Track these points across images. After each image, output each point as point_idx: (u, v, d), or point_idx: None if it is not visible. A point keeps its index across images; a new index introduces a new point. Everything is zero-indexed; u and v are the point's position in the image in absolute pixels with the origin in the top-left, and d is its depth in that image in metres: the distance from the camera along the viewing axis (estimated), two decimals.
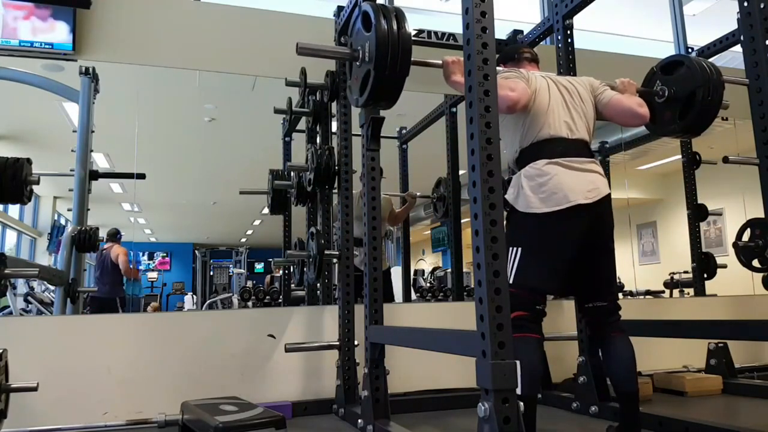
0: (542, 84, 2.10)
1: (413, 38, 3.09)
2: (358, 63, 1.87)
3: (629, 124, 2.29)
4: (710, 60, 3.92)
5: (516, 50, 2.38)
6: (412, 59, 1.82)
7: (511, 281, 1.87)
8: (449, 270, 4.59)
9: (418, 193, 4.32)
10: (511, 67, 2.20)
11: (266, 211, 3.61)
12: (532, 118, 2.04)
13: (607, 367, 2.11)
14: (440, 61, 2.06)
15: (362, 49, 1.84)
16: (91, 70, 3.30)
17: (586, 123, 2.12)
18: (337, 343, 2.70)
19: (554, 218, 1.93)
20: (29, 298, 3.74)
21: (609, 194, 2.03)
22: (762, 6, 2.02)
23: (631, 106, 2.15)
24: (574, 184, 1.96)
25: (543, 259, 1.98)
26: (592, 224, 1.99)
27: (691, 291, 4.19)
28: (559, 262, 2.03)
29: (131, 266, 3.96)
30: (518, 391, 1.36)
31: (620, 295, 2.17)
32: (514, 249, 1.97)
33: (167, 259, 5.65)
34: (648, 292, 4.56)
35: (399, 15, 1.78)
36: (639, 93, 2.42)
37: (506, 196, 2.01)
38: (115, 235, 4.11)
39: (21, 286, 3.76)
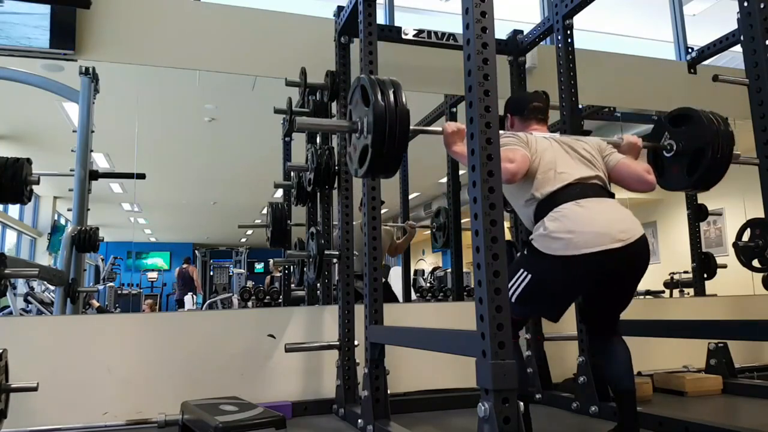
0: (545, 144, 2.07)
1: (413, 38, 3.14)
2: (357, 135, 1.86)
3: (636, 189, 2.17)
4: (710, 60, 3.98)
5: (525, 104, 2.30)
6: (411, 127, 1.81)
7: (511, 300, 1.81)
8: (449, 270, 4.59)
9: (418, 223, 4.34)
10: (512, 133, 2.11)
11: (266, 211, 3.60)
12: (542, 175, 1.99)
13: (605, 366, 2.12)
14: (440, 129, 2.04)
15: (360, 122, 1.83)
16: (91, 70, 3.30)
17: (599, 171, 2.06)
18: (337, 343, 2.70)
19: (577, 261, 1.83)
20: (29, 298, 3.74)
21: (643, 235, 1.90)
22: (762, 6, 2.02)
23: (639, 172, 2.11)
24: (601, 226, 1.85)
25: (552, 295, 1.95)
26: (620, 267, 1.89)
27: (691, 291, 4.19)
28: (570, 300, 2.03)
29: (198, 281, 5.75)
30: None
31: None
32: (525, 274, 1.91)
33: (156, 268, 5.73)
34: (648, 292, 4.55)
35: (396, 89, 1.76)
36: (646, 147, 2.40)
37: (532, 234, 1.95)
38: (189, 260, 5.84)
39: (21, 286, 3.76)
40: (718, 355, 3.21)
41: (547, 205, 1.94)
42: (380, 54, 2.58)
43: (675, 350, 3.38)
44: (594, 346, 2.39)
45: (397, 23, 3.69)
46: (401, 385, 2.80)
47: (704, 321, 2.64)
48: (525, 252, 1.96)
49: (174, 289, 5.75)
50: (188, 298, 5.71)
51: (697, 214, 4.01)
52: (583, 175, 2.01)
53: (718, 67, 4.27)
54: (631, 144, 2.29)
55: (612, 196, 2.04)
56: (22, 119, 3.91)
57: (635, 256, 1.89)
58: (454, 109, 4.00)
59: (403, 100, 1.75)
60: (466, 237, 3.89)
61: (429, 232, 4.33)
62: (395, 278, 4.45)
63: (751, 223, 3.73)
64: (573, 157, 2.07)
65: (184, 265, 5.83)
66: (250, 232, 6.05)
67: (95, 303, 4.21)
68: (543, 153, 2.03)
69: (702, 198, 4.01)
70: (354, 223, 2.80)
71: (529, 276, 1.90)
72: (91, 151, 3.43)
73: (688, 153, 2.35)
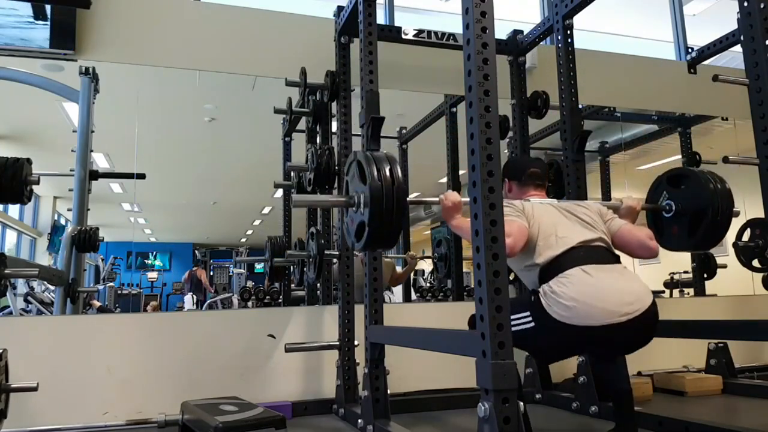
0: (543, 210, 2.06)
1: (413, 38, 3.13)
2: (354, 209, 1.87)
3: (640, 256, 2.14)
4: (710, 60, 3.98)
5: (524, 169, 2.28)
6: (408, 200, 1.84)
7: None
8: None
9: (419, 255, 4.33)
10: (508, 202, 2.05)
11: (266, 210, 3.60)
12: (543, 241, 1.97)
13: (600, 367, 2.13)
14: (437, 199, 2.06)
15: (357, 197, 1.84)
16: (91, 70, 3.30)
17: (602, 234, 2.04)
18: (337, 343, 2.70)
19: (580, 331, 1.79)
20: (29, 298, 3.74)
21: (652, 305, 1.84)
22: (762, 6, 2.02)
23: (642, 238, 2.10)
24: (608, 298, 1.80)
25: (549, 349, 1.94)
26: (624, 339, 1.86)
27: (691, 291, 4.19)
28: (565, 358, 2.05)
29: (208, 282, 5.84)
30: None
31: None
32: (529, 319, 1.87)
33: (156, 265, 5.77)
34: None
35: (392, 164, 1.77)
36: (645, 209, 2.41)
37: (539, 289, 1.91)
38: (198, 262, 5.95)
39: (21, 286, 3.75)
40: (718, 355, 3.21)
41: (551, 269, 1.90)
42: (380, 54, 2.58)
43: (675, 350, 3.38)
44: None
45: (397, 23, 3.69)
46: (401, 385, 2.79)
47: (704, 321, 2.64)
48: (533, 299, 1.90)
49: (183, 291, 5.85)
50: (188, 298, 5.70)
51: None
52: (586, 238, 1.98)
53: (718, 67, 4.27)
54: (630, 207, 2.29)
55: (617, 259, 2.00)
56: (22, 119, 3.91)
57: (640, 328, 1.84)
58: (454, 109, 4.00)
59: (399, 175, 1.76)
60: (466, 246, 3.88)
61: (429, 232, 4.33)
62: None
63: (751, 223, 3.72)
64: (573, 221, 2.05)
65: (194, 268, 5.94)
66: (250, 232, 6.04)
67: (96, 303, 4.20)
68: (541, 219, 2.01)
69: None
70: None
71: (533, 324, 1.87)
72: (91, 151, 3.42)
73: (687, 214, 2.36)
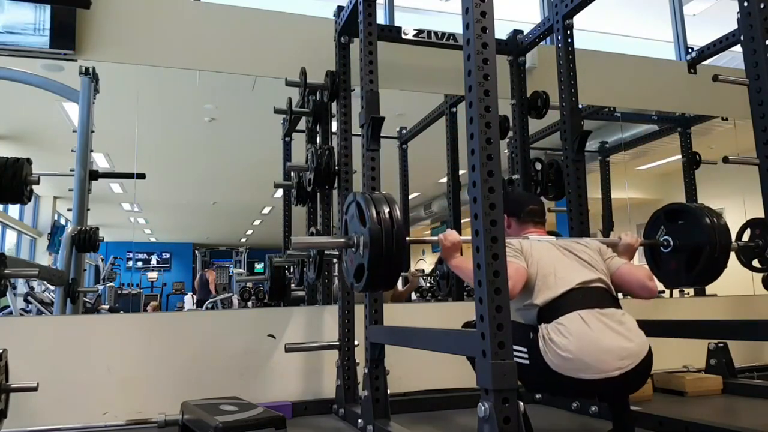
0: (542, 248, 2.05)
1: (413, 38, 3.14)
2: (353, 250, 1.87)
3: (639, 296, 2.11)
4: (710, 60, 3.98)
5: (522, 207, 2.28)
6: (408, 239, 1.83)
7: None
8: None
9: (420, 272, 4.32)
10: (508, 241, 1.98)
11: (266, 210, 3.60)
12: (542, 281, 1.96)
13: None
14: (437, 239, 2.07)
15: (356, 238, 1.84)
16: (91, 70, 3.30)
17: (601, 274, 2.03)
18: (337, 343, 2.70)
19: (574, 382, 1.80)
20: (29, 298, 3.74)
21: (647, 356, 1.85)
22: (762, 6, 2.02)
23: (641, 279, 2.10)
24: (604, 351, 1.79)
25: (542, 386, 2.00)
26: (615, 389, 1.87)
27: (691, 291, 4.19)
28: (558, 395, 2.12)
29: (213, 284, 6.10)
30: None
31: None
32: (525, 355, 1.87)
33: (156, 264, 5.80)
34: None
35: (391, 205, 1.77)
36: (643, 245, 2.41)
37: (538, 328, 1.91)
38: (208, 264, 6.26)
39: (21, 286, 3.75)
40: (718, 355, 3.21)
41: (549, 312, 1.90)
42: (380, 54, 2.58)
43: (675, 350, 3.37)
44: None
45: (397, 23, 3.68)
46: (401, 385, 2.79)
47: (704, 321, 2.65)
48: (531, 336, 1.90)
49: (194, 291, 5.98)
50: (188, 298, 5.71)
51: None
52: (585, 279, 1.97)
53: (718, 67, 4.27)
54: (629, 244, 2.30)
55: (616, 302, 2.00)
56: (22, 119, 3.91)
57: (631, 380, 1.85)
58: (454, 109, 4.00)
59: (399, 217, 1.76)
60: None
61: (429, 232, 4.33)
62: None
63: (751, 223, 3.72)
64: (572, 259, 2.05)
65: (204, 270, 6.17)
66: (250, 232, 6.04)
67: (105, 308, 4.25)
68: (540, 258, 2.01)
69: (702, 198, 4.01)
70: None
71: (527, 362, 1.87)
72: (91, 151, 3.42)
73: (685, 249, 2.37)
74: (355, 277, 1.87)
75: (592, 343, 1.81)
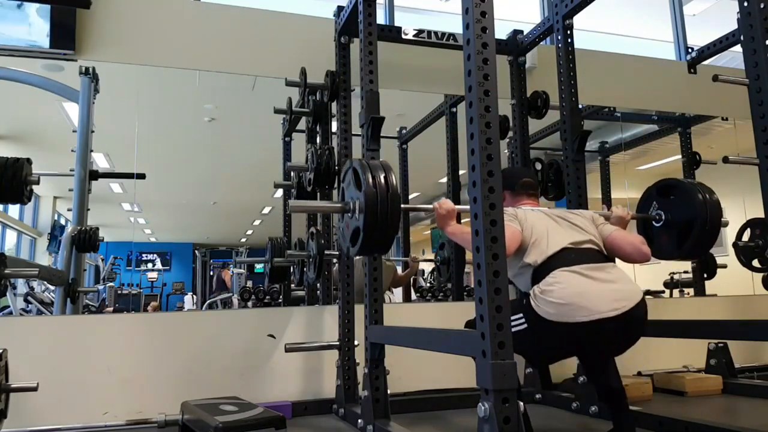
0: (536, 216, 2.09)
1: (413, 38, 3.14)
2: (349, 215, 1.90)
3: (632, 260, 2.14)
4: (710, 60, 3.98)
5: (516, 179, 2.32)
6: (403, 206, 1.86)
7: None
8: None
9: (421, 258, 4.33)
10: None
11: (266, 210, 3.60)
12: (535, 243, 2.00)
13: (591, 370, 2.15)
14: (432, 207, 2.09)
15: (352, 203, 1.87)
16: (91, 70, 3.30)
17: (593, 237, 2.06)
18: (337, 343, 2.71)
19: (571, 328, 1.81)
20: (29, 298, 3.74)
21: (641, 300, 1.87)
22: (762, 6, 2.02)
23: (635, 242, 2.12)
24: (597, 294, 1.83)
25: (542, 350, 1.97)
26: (613, 335, 1.87)
27: (691, 291, 4.19)
28: (558, 359, 2.09)
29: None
30: None
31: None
32: (522, 321, 1.89)
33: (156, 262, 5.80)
34: (648, 292, 4.55)
35: (387, 172, 1.80)
36: (635, 218, 2.44)
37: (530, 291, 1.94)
38: (224, 264, 6.30)
39: (21, 286, 3.75)
40: (718, 355, 3.21)
41: (542, 271, 1.93)
42: (380, 54, 2.58)
43: (675, 350, 3.38)
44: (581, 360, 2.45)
45: (397, 23, 3.69)
46: (401, 385, 2.79)
47: (704, 321, 2.65)
48: (524, 302, 1.93)
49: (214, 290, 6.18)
50: (188, 298, 5.70)
51: None
52: (576, 239, 2.01)
53: (718, 67, 4.27)
54: (620, 217, 2.32)
55: (608, 259, 2.03)
56: (22, 119, 3.91)
57: (629, 324, 1.86)
58: (454, 109, 4.00)
59: (394, 182, 1.79)
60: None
61: (429, 232, 4.33)
62: None
63: (751, 223, 3.73)
64: (564, 226, 2.08)
65: (220, 270, 6.31)
66: (250, 232, 6.04)
67: (110, 310, 4.27)
68: (534, 223, 2.05)
69: None
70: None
71: (525, 326, 1.89)
72: (91, 151, 3.42)
73: (677, 224, 2.40)
74: (351, 241, 1.90)
75: (584, 289, 1.84)
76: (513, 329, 1.82)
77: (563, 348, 1.96)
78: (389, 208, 1.77)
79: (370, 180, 1.78)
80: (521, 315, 1.90)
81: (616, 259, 2.13)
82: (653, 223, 2.50)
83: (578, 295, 1.82)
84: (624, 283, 1.91)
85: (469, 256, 3.61)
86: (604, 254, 2.05)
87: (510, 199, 2.28)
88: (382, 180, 1.79)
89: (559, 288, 1.84)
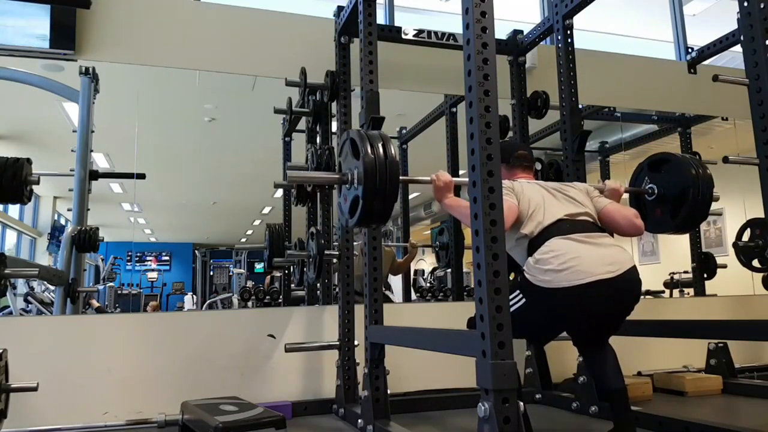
0: (531, 189, 2.11)
1: (413, 38, 3.14)
2: (347, 186, 1.89)
3: (626, 233, 2.17)
4: (710, 60, 3.98)
5: (511, 152, 2.33)
6: (401, 178, 1.85)
7: None
8: (449, 270, 4.58)
9: (420, 243, 4.33)
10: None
11: (266, 210, 3.60)
12: (531, 215, 2.02)
13: (593, 370, 2.15)
14: (429, 179, 2.09)
15: (351, 174, 1.86)
16: (91, 70, 3.30)
17: (588, 209, 2.10)
18: (337, 343, 2.70)
19: (568, 293, 1.85)
20: (29, 298, 3.74)
21: (634, 266, 1.94)
22: (762, 6, 2.02)
23: (629, 215, 2.16)
24: (591, 258, 1.89)
25: (542, 324, 1.98)
26: (613, 298, 1.92)
27: (691, 291, 4.19)
28: (557, 331, 2.09)
29: None
30: None
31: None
32: (520, 296, 1.93)
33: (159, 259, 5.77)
34: (648, 292, 4.55)
35: (385, 142, 1.80)
36: (629, 192, 2.47)
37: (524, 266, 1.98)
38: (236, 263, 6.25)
39: (21, 286, 3.75)
40: (718, 355, 3.21)
41: (538, 241, 1.97)
42: (380, 54, 2.58)
43: (675, 350, 3.38)
44: (584, 359, 2.43)
45: (397, 23, 3.68)
46: (401, 385, 2.79)
47: (704, 321, 2.64)
48: (519, 279, 1.98)
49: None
50: (188, 298, 5.70)
51: None
52: (571, 211, 2.05)
53: (718, 67, 4.27)
54: (613, 190, 2.34)
55: (602, 230, 2.06)
56: (22, 119, 3.91)
57: (623, 287, 1.92)
58: (454, 109, 4.00)
59: (392, 152, 1.78)
60: (466, 235, 3.88)
61: (429, 232, 4.32)
62: (395, 278, 4.45)
63: (751, 223, 3.73)
64: (559, 198, 2.11)
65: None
66: (250, 232, 6.04)
67: (95, 303, 4.20)
68: (531, 196, 2.07)
69: None
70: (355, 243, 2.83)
71: (524, 300, 1.92)
72: (91, 151, 3.42)
73: (669, 197, 2.42)
74: (349, 212, 1.89)
75: (579, 253, 1.89)
76: (511, 308, 1.87)
77: (559, 317, 1.96)
78: (388, 176, 1.76)
79: (369, 148, 1.77)
80: (518, 291, 1.93)
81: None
82: (646, 197, 2.52)
83: (573, 259, 1.88)
84: (616, 251, 1.96)
85: (468, 242, 3.61)
86: (598, 226, 2.09)
87: (505, 172, 2.28)
88: (381, 149, 1.78)
89: (554, 255, 1.89)
